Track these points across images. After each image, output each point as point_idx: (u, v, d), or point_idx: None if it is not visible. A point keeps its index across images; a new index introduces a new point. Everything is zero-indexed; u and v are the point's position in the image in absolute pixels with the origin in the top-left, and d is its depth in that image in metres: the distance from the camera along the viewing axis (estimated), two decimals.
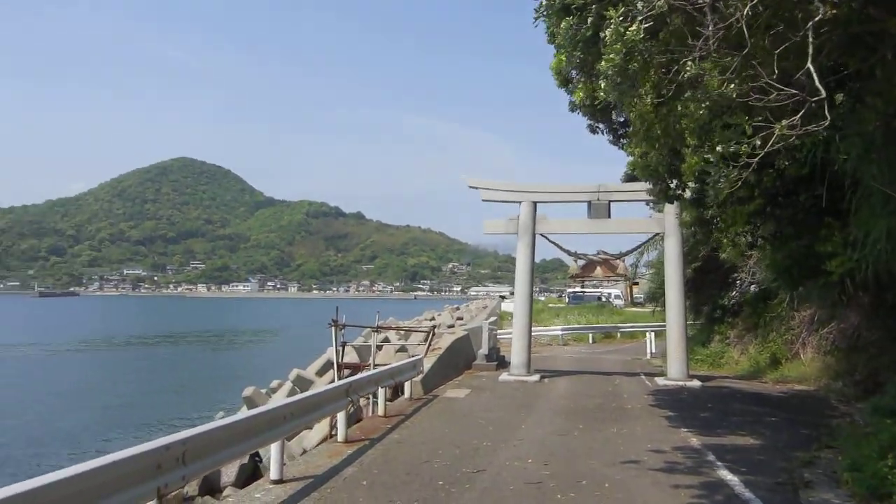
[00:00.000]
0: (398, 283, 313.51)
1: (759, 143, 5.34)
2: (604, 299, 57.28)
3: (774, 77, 5.16)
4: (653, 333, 25.78)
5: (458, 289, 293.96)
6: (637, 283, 79.57)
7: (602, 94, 6.98)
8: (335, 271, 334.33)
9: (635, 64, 6.14)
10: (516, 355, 18.63)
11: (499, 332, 27.85)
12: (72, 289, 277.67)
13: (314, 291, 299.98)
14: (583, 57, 7.68)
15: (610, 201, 17.95)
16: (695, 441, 10.55)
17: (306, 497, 7.34)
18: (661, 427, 11.90)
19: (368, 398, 13.00)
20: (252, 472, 16.14)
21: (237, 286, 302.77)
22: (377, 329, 18.47)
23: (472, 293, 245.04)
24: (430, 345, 18.57)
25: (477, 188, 19.11)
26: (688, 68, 5.60)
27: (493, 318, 24.43)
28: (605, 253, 21.71)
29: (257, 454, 16.60)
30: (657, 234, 19.67)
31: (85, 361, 44.17)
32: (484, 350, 21.29)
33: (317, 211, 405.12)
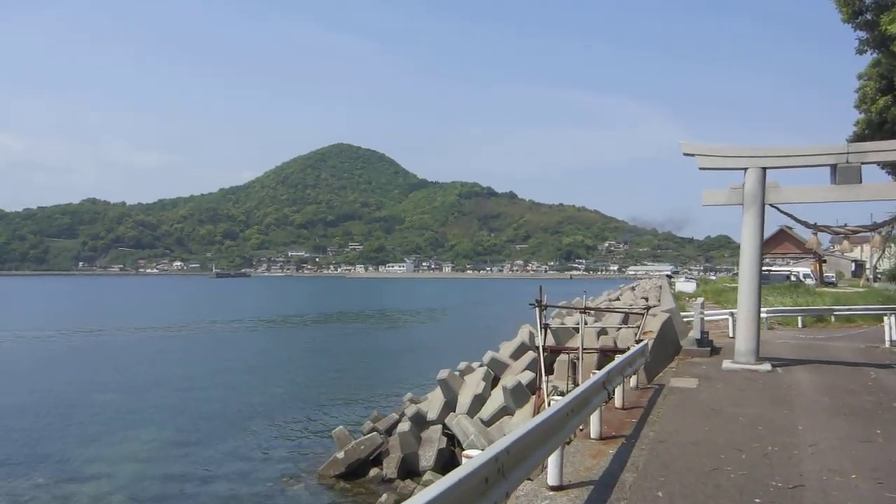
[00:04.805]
0: (552, 263, 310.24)
1: None
2: (793, 278, 51.85)
3: None
4: (893, 317, 22.34)
5: (615, 268, 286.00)
6: (825, 261, 72.71)
7: None
8: (488, 251, 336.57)
9: None
10: (743, 341, 16.59)
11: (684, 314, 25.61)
12: (243, 270, 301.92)
13: (468, 271, 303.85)
14: None
15: (862, 163, 15.32)
16: None
17: None
18: None
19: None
20: (450, 458, 15.54)
21: (393, 267, 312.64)
22: (585, 310, 17.10)
23: (630, 272, 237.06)
24: (642, 328, 16.95)
25: (692, 154, 17.11)
26: None
27: (700, 300, 22.28)
28: (846, 226, 19.01)
29: (453, 437, 16.01)
30: None
31: (265, 339, 46.55)
32: (696, 334, 19.39)
33: (469, 191, 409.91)
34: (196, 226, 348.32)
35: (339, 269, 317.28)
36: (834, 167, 15.53)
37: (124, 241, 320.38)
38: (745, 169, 16.51)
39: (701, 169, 17.17)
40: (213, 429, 19.33)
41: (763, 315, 28.93)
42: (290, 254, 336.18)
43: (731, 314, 24.67)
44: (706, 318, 26.57)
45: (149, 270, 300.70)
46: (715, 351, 19.41)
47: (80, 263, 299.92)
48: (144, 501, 13.30)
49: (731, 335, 23.42)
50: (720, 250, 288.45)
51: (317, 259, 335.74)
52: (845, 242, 27.15)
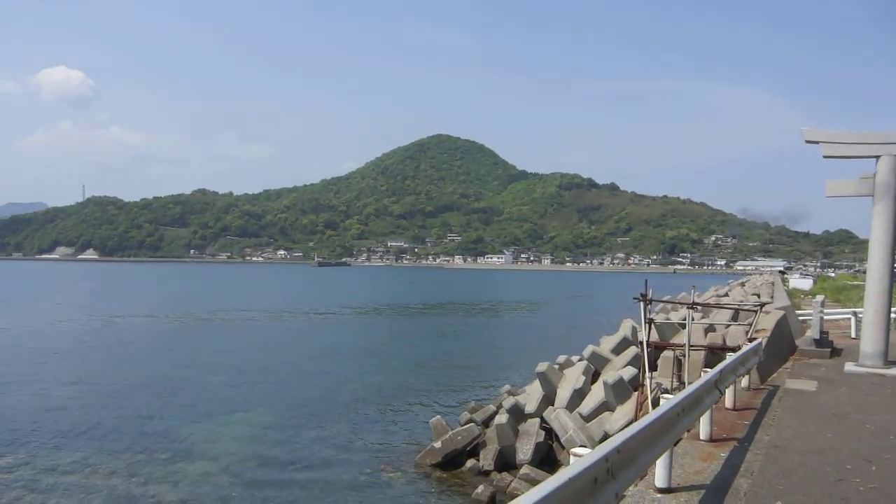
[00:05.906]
0: (655, 257, 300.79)
1: None
2: None
3: None
4: None
5: (722, 263, 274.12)
6: None
7: None
8: (588, 244, 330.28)
9: None
10: (870, 342, 15.39)
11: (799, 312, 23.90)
12: (344, 259, 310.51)
13: (567, 264, 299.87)
14: None
15: None
16: None
17: None
18: None
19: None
20: (547, 452, 15.18)
21: (492, 258, 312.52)
22: (693, 305, 16.28)
23: (739, 268, 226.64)
24: (754, 325, 15.99)
25: (816, 142, 15.96)
26: None
27: (820, 297, 20.91)
28: None
29: (551, 431, 15.63)
30: None
31: (365, 326, 47.63)
32: (814, 334, 18.19)
33: (569, 183, 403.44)
34: (299, 216, 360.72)
35: (438, 260, 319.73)
36: None
37: (231, 230, 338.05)
38: (878, 157, 15.24)
39: (825, 157, 15.99)
40: (312, 414, 19.70)
41: (892, 316, 26.94)
42: (389, 244, 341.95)
43: (854, 314, 23.01)
44: (825, 318, 24.96)
45: (254, 258, 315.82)
46: (835, 352, 18.17)
47: (191, 251, 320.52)
48: (244, 482, 13.64)
49: (853, 336, 21.88)
50: (840, 245, 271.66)
51: (415, 249, 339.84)
52: None
